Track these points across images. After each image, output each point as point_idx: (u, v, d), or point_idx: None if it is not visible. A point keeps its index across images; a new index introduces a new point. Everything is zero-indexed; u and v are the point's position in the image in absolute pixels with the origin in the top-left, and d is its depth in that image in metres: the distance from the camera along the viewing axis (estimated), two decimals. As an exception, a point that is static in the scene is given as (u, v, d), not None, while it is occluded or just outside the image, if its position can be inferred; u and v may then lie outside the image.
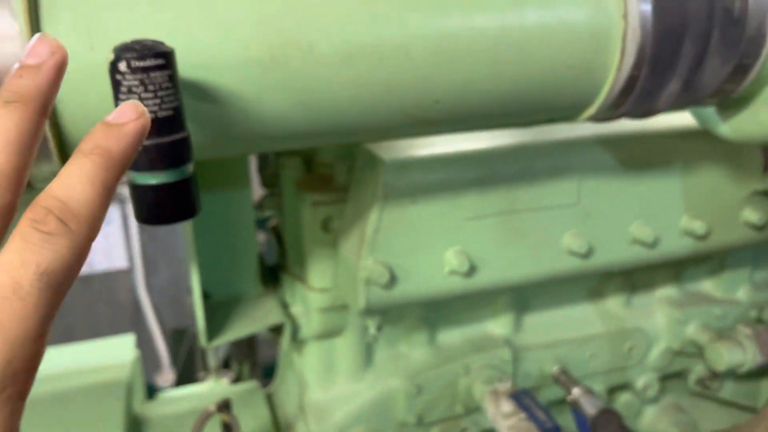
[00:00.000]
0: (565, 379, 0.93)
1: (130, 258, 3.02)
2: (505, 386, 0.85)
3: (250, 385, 1.09)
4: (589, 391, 0.89)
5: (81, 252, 0.29)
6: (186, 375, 1.85)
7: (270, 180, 0.95)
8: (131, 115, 0.32)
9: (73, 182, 0.30)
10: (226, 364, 1.41)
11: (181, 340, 1.98)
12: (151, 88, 0.39)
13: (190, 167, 0.42)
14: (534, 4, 0.53)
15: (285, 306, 0.91)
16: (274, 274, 0.98)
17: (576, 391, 0.90)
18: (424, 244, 0.75)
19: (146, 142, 0.40)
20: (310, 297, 0.86)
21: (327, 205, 0.81)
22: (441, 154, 0.74)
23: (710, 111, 0.73)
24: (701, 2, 0.57)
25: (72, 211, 0.29)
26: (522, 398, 0.82)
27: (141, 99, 0.39)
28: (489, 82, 0.54)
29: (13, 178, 0.30)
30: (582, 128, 0.80)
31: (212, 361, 1.19)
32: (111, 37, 0.43)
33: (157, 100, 0.39)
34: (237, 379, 1.34)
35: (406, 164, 0.72)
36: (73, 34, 0.43)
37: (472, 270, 0.76)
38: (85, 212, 0.29)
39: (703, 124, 0.75)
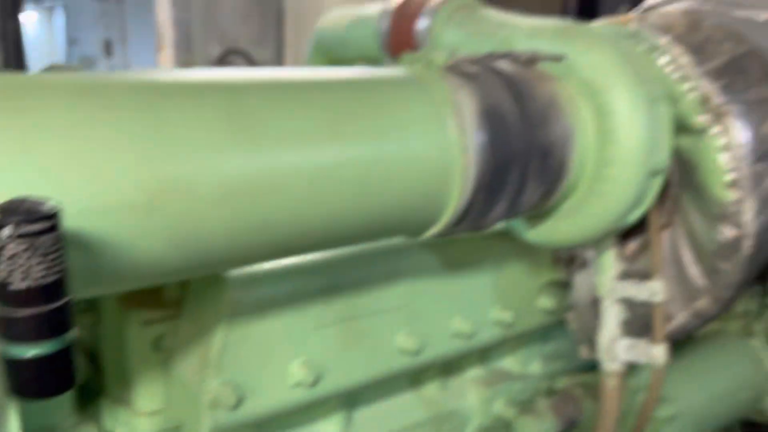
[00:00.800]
0: (397, 471, 0.96)
1: None
2: (348, 490, 0.85)
3: None
4: (422, 482, 0.93)
5: None
6: None
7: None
8: None
9: None
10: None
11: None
12: (39, 252, 0.35)
13: (72, 333, 0.38)
14: (392, 140, 0.57)
15: (105, 434, 0.82)
16: (84, 395, 0.88)
17: (410, 483, 0.93)
18: (269, 358, 0.74)
19: (26, 313, 0.35)
20: (136, 422, 0.79)
21: (158, 323, 0.77)
22: (286, 266, 0.74)
23: (518, 221, 0.83)
24: (522, 137, 0.66)
25: None
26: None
27: (26, 265, 0.35)
28: (352, 212, 0.56)
29: None
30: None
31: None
32: (-32, 186, 0.38)
33: (44, 266, 0.35)
34: None
35: (251, 279, 0.71)
36: None
37: (317, 380, 0.77)
38: None
39: (511, 230, 0.85)
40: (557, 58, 0.71)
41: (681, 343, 1.34)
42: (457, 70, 0.64)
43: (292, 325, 0.75)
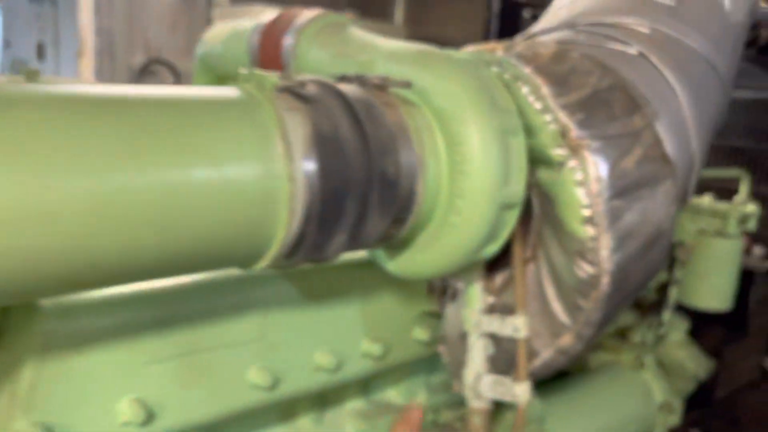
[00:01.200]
0: None
1: None
2: None
3: None
4: None
5: None
6: None
7: None
8: None
9: None
10: None
11: None
12: None
13: None
14: (202, 165, 0.53)
15: None
16: None
17: None
18: (92, 396, 0.67)
19: None
20: (-53, 463, 0.72)
21: (-27, 355, 0.70)
22: (112, 295, 0.69)
23: (379, 251, 0.80)
24: (362, 166, 0.62)
25: None
26: None
27: None
28: (152, 242, 0.51)
29: None
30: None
31: None
32: None
33: None
34: None
35: (69, 309, 0.66)
36: None
37: (150, 418, 0.71)
38: None
39: (374, 260, 0.81)
40: (406, 85, 0.68)
41: (570, 375, 1.33)
42: (291, 91, 0.60)
43: (120, 360, 0.69)
